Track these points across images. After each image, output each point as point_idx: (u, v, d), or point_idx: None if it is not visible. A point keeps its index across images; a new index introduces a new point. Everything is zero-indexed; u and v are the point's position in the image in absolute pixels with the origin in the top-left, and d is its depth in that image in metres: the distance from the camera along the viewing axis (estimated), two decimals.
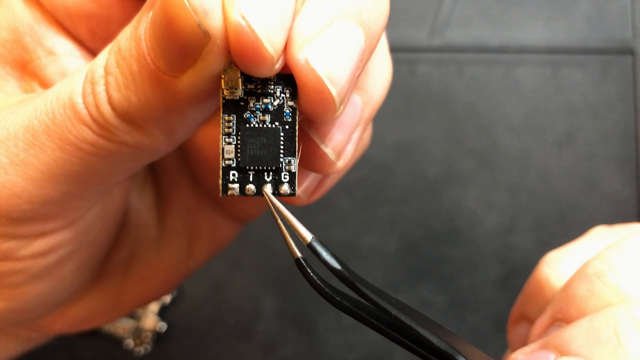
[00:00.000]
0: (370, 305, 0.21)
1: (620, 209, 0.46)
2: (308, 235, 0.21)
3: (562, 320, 0.24)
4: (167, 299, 0.46)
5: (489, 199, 0.47)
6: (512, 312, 0.30)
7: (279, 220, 0.22)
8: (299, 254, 0.21)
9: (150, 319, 0.46)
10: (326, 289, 0.21)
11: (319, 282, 0.21)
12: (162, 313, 0.46)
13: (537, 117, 0.47)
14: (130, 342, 0.46)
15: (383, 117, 0.46)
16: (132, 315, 0.46)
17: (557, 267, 0.27)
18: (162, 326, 0.46)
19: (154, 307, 0.46)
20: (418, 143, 0.47)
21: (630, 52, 0.47)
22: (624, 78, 0.47)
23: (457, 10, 0.48)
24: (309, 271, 0.21)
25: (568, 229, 0.46)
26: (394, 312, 0.21)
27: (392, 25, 0.47)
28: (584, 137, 0.47)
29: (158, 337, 0.46)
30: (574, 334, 0.22)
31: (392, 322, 0.21)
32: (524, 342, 0.27)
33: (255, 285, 0.47)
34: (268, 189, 0.21)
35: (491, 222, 0.46)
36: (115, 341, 0.46)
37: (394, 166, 0.47)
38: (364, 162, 0.46)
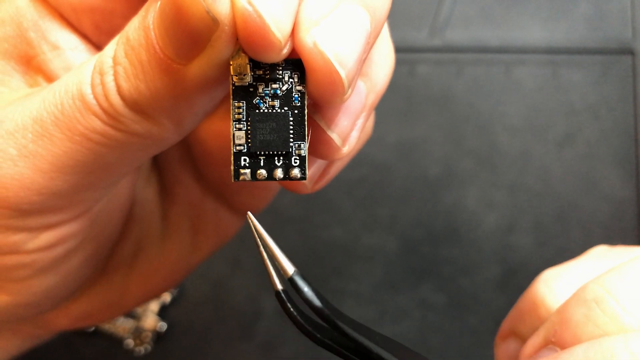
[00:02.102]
0: (351, 343, 0.21)
1: (620, 209, 0.46)
2: (290, 268, 0.21)
3: (556, 343, 0.23)
4: (168, 298, 0.46)
5: (489, 199, 0.47)
6: (502, 327, 0.29)
7: (262, 249, 0.21)
8: (279, 287, 0.21)
9: (150, 319, 0.46)
10: (306, 326, 0.21)
11: (298, 317, 0.21)
12: (162, 313, 0.46)
13: (537, 117, 0.47)
14: (130, 342, 0.45)
15: (383, 117, 0.46)
16: (132, 315, 0.46)
17: (553, 286, 0.26)
18: (162, 326, 0.46)
19: (154, 306, 0.46)
20: (418, 143, 0.47)
21: (630, 52, 0.48)
22: (624, 78, 0.47)
23: (457, 10, 0.48)
24: (289, 305, 0.21)
25: (568, 229, 0.46)
26: (375, 350, 0.21)
27: (392, 25, 0.47)
28: (584, 137, 0.47)
29: (158, 337, 0.46)
30: None
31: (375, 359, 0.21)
32: (512, 359, 0.27)
33: (255, 285, 0.47)
34: (272, 173, 0.21)
35: (491, 222, 0.47)
36: (115, 341, 0.46)
37: (394, 166, 0.47)
38: (364, 162, 0.46)
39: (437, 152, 0.47)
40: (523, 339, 0.27)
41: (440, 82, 0.48)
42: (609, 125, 0.47)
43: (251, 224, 0.21)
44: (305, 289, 0.21)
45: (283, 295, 0.21)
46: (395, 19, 0.48)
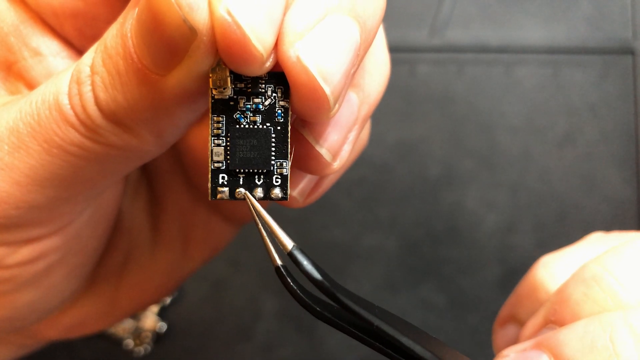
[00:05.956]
0: (351, 315, 0.21)
1: (620, 209, 0.46)
2: (289, 243, 0.21)
3: (556, 322, 0.23)
4: (167, 299, 0.46)
5: (489, 199, 0.47)
6: (501, 313, 0.29)
7: (260, 226, 0.21)
8: (279, 262, 0.21)
9: (150, 319, 0.46)
10: (306, 299, 0.21)
11: (298, 291, 0.21)
12: (162, 313, 0.46)
13: (537, 117, 0.47)
14: (130, 342, 0.46)
15: (383, 117, 0.46)
16: (132, 316, 0.46)
17: (552, 269, 0.26)
18: (162, 326, 0.46)
19: (154, 307, 0.46)
20: (418, 143, 0.47)
21: (630, 52, 0.47)
22: (624, 78, 0.47)
23: (457, 10, 0.48)
24: (289, 280, 0.21)
25: (568, 229, 0.46)
26: (375, 322, 0.20)
27: (392, 25, 0.47)
28: (584, 137, 0.47)
29: (158, 337, 0.46)
30: (569, 338, 0.21)
31: (375, 331, 0.21)
32: (511, 344, 0.27)
33: (255, 285, 0.47)
34: (252, 192, 0.20)
35: (491, 222, 0.46)
36: (115, 341, 0.46)
37: (394, 166, 0.47)
38: (364, 162, 0.46)
39: (437, 152, 0.47)
40: (522, 323, 0.26)
41: (440, 82, 0.48)
42: (609, 125, 0.47)
43: (249, 202, 0.21)
44: (305, 262, 0.20)
45: (283, 270, 0.21)
46: (395, 18, 0.48)
